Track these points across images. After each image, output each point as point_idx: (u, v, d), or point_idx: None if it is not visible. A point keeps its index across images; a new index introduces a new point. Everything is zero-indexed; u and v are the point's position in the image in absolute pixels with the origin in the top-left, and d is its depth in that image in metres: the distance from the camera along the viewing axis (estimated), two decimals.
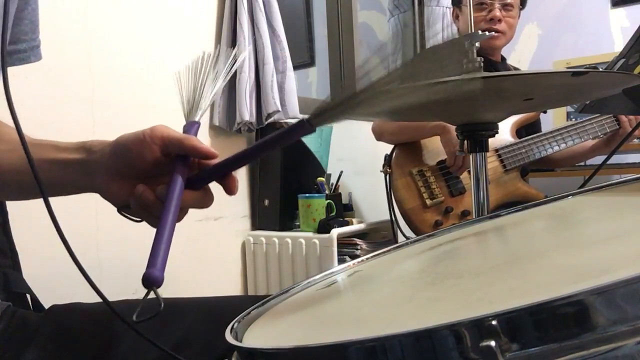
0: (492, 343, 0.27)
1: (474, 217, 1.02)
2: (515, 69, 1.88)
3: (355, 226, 1.89)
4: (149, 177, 0.55)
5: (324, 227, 1.76)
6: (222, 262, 1.86)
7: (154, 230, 0.50)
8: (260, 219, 1.93)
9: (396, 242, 1.34)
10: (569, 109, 2.60)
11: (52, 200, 0.53)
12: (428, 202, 1.63)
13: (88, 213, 1.41)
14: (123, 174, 0.55)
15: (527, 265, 0.45)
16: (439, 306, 0.40)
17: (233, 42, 1.79)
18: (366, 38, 3.02)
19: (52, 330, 0.67)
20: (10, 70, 0.62)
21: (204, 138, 1.81)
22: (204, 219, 1.77)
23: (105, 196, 0.57)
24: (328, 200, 1.83)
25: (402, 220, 1.67)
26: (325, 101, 0.47)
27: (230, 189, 0.56)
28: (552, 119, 2.58)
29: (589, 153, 1.80)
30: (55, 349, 0.65)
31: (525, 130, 1.75)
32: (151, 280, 0.46)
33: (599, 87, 0.86)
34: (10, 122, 0.51)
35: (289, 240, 1.80)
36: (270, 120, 1.81)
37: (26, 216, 0.83)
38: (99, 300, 0.50)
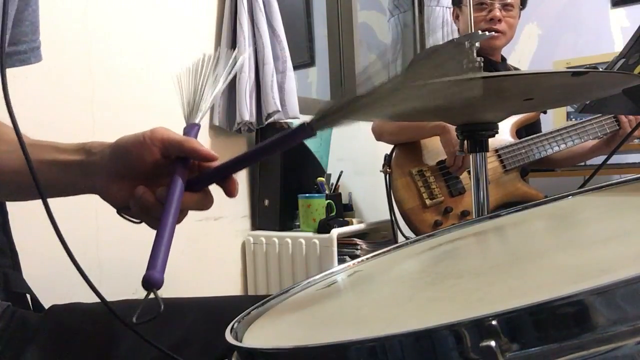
0: (492, 343, 0.27)
1: (473, 217, 1.02)
2: (515, 69, 1.88)
3: (355, 226, 1.89)
4: (148, 179, 0.55)
5: (324, 227, 1.76)
6: (222, 262, 1.86)
7: (154, 230, 0.50)
8: (260, 219, 1.93)
9: (396, 242, 1.34)
10: (569, 109, 2.60)
11: (52, 200, 0.53)
12: (428, 202, 1.63)
13: (88, 213, 1.41)
14: (123, 176, 0.55)
15: (527, 265, 0.45)
16: (439, 306, 0.40)
17: (233, 42, 1.79)
18: (366, 38, 3.02)
19: (52, 330, 0.67)
20: (10, 70, 0.62)
21: (204, 138, 1.81)
22: (204, 219, 1.77)
23: (105, 198, 0.57)
24: (328, 200, 1.83)
25: (401, 220, 1.67)
26: (326, 105, 0.48)
27: (230, 192, 0.56)
28: (552, 119, 2.58)
29: (588, 153, 1.80)
30: (55, 349, 0.65)
31: (525, 130, 1.75)
32: (151, 282, 0.46)
33: (599, 87, 0.87)
34: (10, 123, 0.51)
35: (289, 240, 1.80)
36: (270, 120, 1.81)
37: (26, 216, 0.83)
38: (99, 300, 0.50)
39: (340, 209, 1.93)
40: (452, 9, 1.95)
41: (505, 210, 0.74)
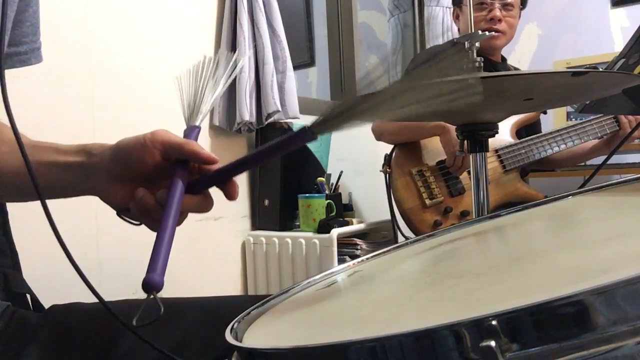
0: (492, 343, 0.27)
1: (473, 217, 1.02)
2: (515, 69, 1.88)
3: (355, 226, 1.89)
4: (149, 181, 0.55)
5: (324, 227, 1.76)
6: (222, 262, 1.86)
7: (154, 232, 0.50)
8: (260, 219, 1.93)
9: (396, 242, 1.34)
10: (569, 109, 2.60)
11: (52, 200, 0.53)
12: (427, 202, 1.63)
13: (88, 213, 1.41)
14: (123, 178, 0.55)
15: (527, 265, 0.45)
16: (439, 306, 0.40)
17: (233, 42, 1.79)
18: (366, 38, 3.02)
19: (52, 330, 0.67)
20: (10, 70, 0.62)
21: (204, 138, 1.81)
22: (204, 219, 1.77)
23: (105, 199, 0.57)
24: (328, 200, 1.83)
25: (401, 220, 1.67)
26: (327, 110, 0.48)
27: (230, 194, 0.56)
28: (552, 119, 2.58)
29: (588, 154, 1.80)
30: (55, 348, 0.65)
31: (525, 130, 1.75)
32: (151, 285, 0.46)
33: (599, 87, 0.87)
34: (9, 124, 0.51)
35: (289, 240, 1.80)
36: (270, 120, 1.81)
37: (26, 216, 0.83)
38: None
39: (340, 209, 1.93)
40: (452, 9, 1.95)
41: (505, 210, 0.74)
